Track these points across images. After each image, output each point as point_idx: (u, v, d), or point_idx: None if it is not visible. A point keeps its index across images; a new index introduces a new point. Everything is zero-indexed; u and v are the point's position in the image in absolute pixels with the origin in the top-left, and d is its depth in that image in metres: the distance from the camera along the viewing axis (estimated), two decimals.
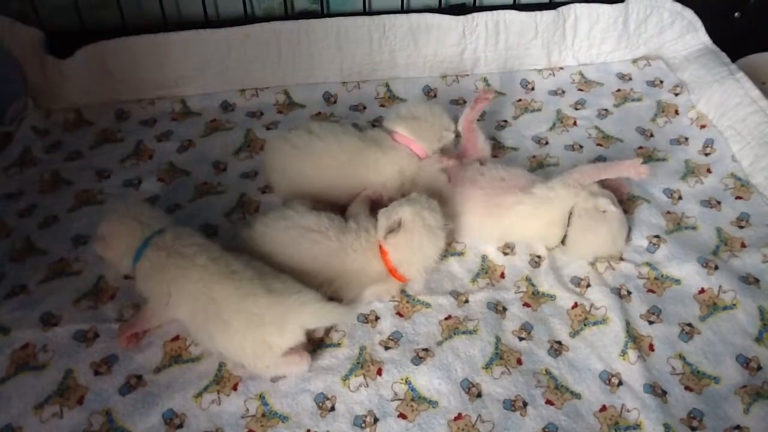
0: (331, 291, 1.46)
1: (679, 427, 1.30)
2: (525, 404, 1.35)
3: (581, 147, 1.93)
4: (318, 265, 1.46)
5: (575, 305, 1.52)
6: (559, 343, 1.46)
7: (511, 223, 1.60)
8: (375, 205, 1.60)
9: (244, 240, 1.54)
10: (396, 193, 1.65)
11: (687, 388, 1.37)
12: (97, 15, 2.11)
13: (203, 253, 1.40)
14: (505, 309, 1.53)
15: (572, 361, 1.43)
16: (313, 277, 1.45)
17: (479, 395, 1.36)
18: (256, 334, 1.32)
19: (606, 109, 2.06)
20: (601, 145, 1.94)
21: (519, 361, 1.43)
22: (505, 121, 2.04)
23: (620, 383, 1.38)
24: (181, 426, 1.31)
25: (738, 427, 1.31)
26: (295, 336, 1.35)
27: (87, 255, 1.61)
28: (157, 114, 2.06)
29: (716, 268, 1.56)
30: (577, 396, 1.37)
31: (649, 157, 1.88)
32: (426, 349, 1.43)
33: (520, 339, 1.47)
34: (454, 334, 1.46)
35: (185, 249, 1.41)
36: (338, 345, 1.44)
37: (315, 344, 1.43)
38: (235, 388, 1.36)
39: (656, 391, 1.36)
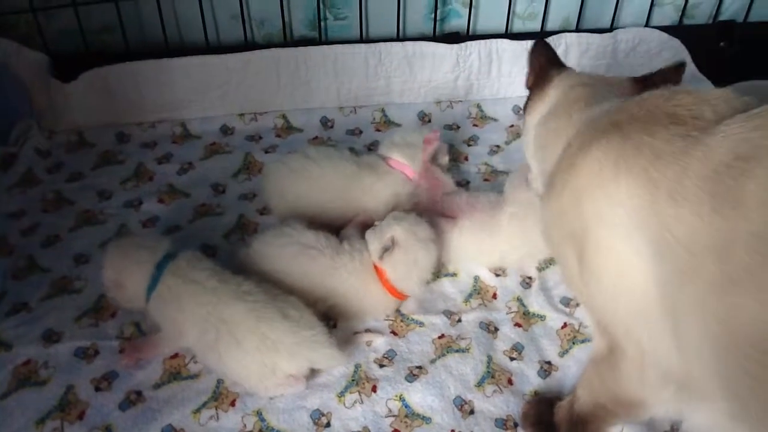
0: (325, 308, 1.49)
1: None
2: (515, 425, 1.38)
3: None
4: (314, 283, 1.50)
5: (565, 325, 1.56)
6: (549, 363, 1.50)
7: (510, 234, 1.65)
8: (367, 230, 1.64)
9: (242, 259, 1.58)
10: None
11: None
12: (101, 40, 2.17)
13: (214, 276, 1.43)
14: (496, 329, 1.56)
15: (561, 380, 1.46)
16: (308, 294, 1.49)
17: (472, 412, 1.39)
18: (265, 357, 1.34)
19: None
20: None
21: (510, 381, 1.46)
22: (498, 146, 2.09)
23: None
24: None
25: None
26: (302, 368, 1.39)
27: (88, 273, 1.64)
28: (158, 137, 2.11)
29: None
30: None
31: None
32: (420, 367, 1.46)
33: (512, 359, 1.50)
34: (447, 352, 1.50)
35: (197, 273, 1.43)
36: None
37: None
38: (232, 404, 1.39)
39: None
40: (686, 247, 0.89)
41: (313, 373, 1.43)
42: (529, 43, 2.15)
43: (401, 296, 1.57)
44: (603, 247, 1.03)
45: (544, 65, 1.49)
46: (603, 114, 1.14)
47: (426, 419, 1.38)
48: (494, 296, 1.64)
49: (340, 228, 1.68)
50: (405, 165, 1.74)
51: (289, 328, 1.36)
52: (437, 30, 2.26)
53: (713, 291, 0.87)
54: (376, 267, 1.54)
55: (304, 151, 1.77)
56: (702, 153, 0.91)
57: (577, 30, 2.27)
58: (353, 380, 1.43)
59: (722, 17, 2.35)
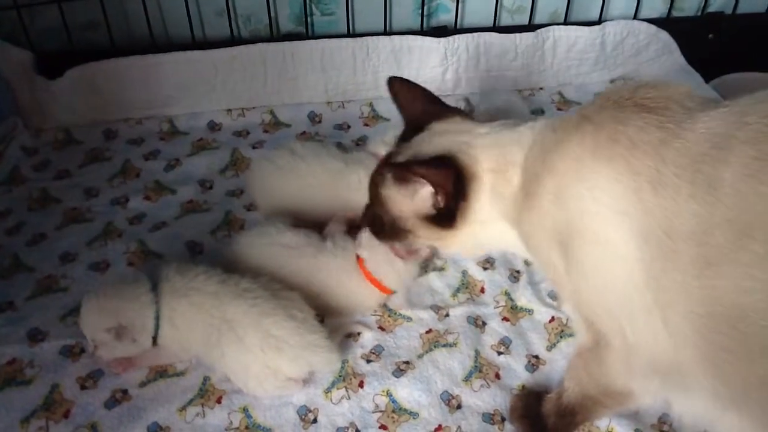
0: (312, 305, 1.49)
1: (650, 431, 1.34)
2: (503, 419, 1.38)
3: None
4: (298, 281, 1.50)
5: (552, 319, 1.56)
6: (536, 357, 1.50)
7: None
8: (352, 225, 1.63)
9: (228, 257, 1.57)
10: None
11: None
12: (86, 36, 2.15)
13: (211, 278, 1.41)
14: (484, 323, 1.56)
15: (548, 374, 1.46)
16: (299, 291, 1.48)
17: (459, 407, 1.39)
18: (268, 357, 1.33)
19: None
20: None
21: (497, 376, 1.46)
22: None
23: None
24: None
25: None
26: (303, 371, 1.39)
27: (74, 272, 1.64)
28: (145, 133, 2.10)
29: None
30: None
31: None
32: (407, 362, 1.46)
33: (499, 353, 1.50)
34: (435, 347, 1.49)
35: (194, 282, 1.40)
36: None
37: None
38: (219, 401, 1.38)
39: None
40: (667, 233, 0.93)
41: (310, 375, 1.42)
42: (517, 37, 2.18)
43: (387, 290, 1.57)
44: (590, 239, 1.04)
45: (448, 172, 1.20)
46: (548, 124, 1.17)
47: (413, 414, 1.38)
48: (482, 290, 1.63)
49: (322, 225, 1.67)
50: None
51: (294, 330, 1.35)
52: (425, 24, 2.25)
53: (693, 274, 0.92)
54: (360, 262, 1.54)
55: (290, 146, 1.75)
56: (680, 144, 0.95)
57: (566, 23, 2.26)
58: (340, 376, 1.43)
59: (711, 9, 2.34)
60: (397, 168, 1.23)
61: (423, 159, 1.20)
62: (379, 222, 1.32)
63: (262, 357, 1.33)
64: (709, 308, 0.92)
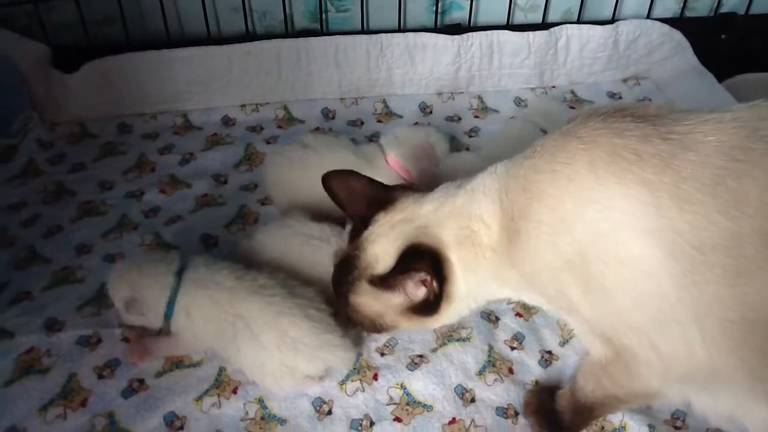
0: (328, 296, 1.49)
1: (662, 428, 1.34)
2: (516, 414, 1.38)
3: None
4: (318, 273, 1.50)
5: None
6: (550, 353, 1.50)
7: None
8: None
9: (244, 250, 1.58)
10: None
11: None
12: (102, 31, 2.17)
13: (231, 274, 1.40)
14: (497, 319, 1.57)
15: (561, 369, 1.47)
16: (315, 284, 1.48)
17: (473, 400, 1.40)
18: (285, 357, 1.33)
19: None
20: None
21: (511, 370, 1.46)
22: None
23: None
24: (181, 428, 1.34)
25: (719, 429, 1.34)
26: (320, 369, 1.39)
27: (90, 263, 1.65)
28: (160, 128, 2.11)
29: None
30: None
31: None
32: (421, 356, 1.47)
33: (512, 348, 1.51)
34: (448, 341, 1.50)
35: (216, 275, 1.40)
36: None
37: None
38: (234, 392, 1.39)
39: None
40: (696, 247, 0.94)
41: (327, 371, 1.42)
42: (531, 35, 2.19)
43: None
44: (612, 261, 1.02)
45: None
46: (511, 161, 1.15)
47: (427, 407, 1.38)
48: None
49: (341, 217, 1.68)
50: (400, 166, 1.73)
51: (311, 330, 1.35)
52: (438, 21, 2.26)
53: (726, 284, 0.94)
54: None
55: (302, 140, 1.76)
56: (694, 157, 0.96)
57: (579, 22, 2.27)
58: (355, 368, 1.44)
59: (723, 9, 2.35)
60: (381, 280, 1.19)
61: (399, 262, 1.16)
62: (354, 318, 1.30)
63: (279, 356, 1.33)
64: (743, 314, 0.94)
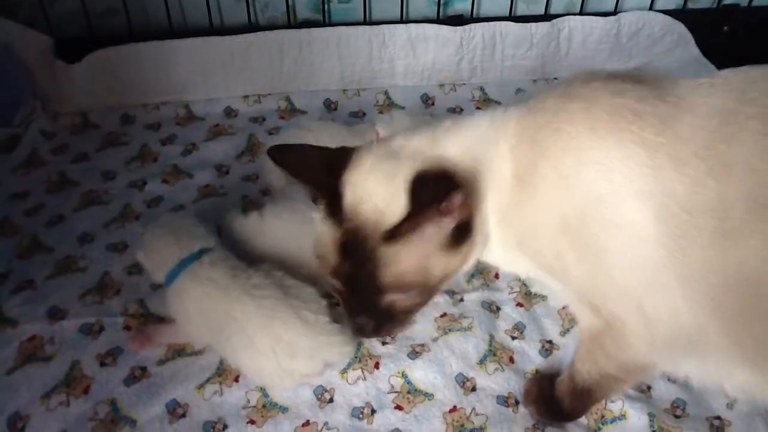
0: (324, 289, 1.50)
1: (663, 416, 1.35)
2: (517, 402, 1.39)
3: None
4: None
5: (566, 305, 1.57)
6: (550, 342, 1.51)
7: None
8: None
9: (249, 232, 1.58)
10: None
11: (670, 379, 1.41)
12: (105, 22, 2.17)
13: (228, 272, 1.40)
14: (498, 308, 1.57)
15: (562, 358, 1.47)
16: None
17: (474, 389, 1.40)
18: (281, 361, 1.33)
19: None
20: None
21: (511, 360, 1.47)
22: None
23: None
24: (183, 416, 1.34)
25: (718, 417, 1.36)
26: (319, 369, 1.39)
27: (93, 252, 1.66)
28: (162, 118, 2.12)
29: None
30: None
31: None
32: (422, 345, 1.47)
33: (513, 338, 1.51)
34: (449, 330, 1.50)
35: (217, 276, 1.39)
36: None
37: None
38: (236, 380, 1.40)
39: (641, 386, 1.40)
40: (687, 210, 0.95)
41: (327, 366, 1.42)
42: (533, 26, 2.19)
43: None
44: (608, 224, 1.02)
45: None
46: (524, 108, 1.12)
47: (428, 395, 1.39)
48: (496, 276, 1.64)
49: None
50: None
51: (306, 333, 1.34)
52: (441, 13, 2.26)
53: (712, 248, 0.95)
54: None
55: (298, 125, 1.83)
56: (691, 119, 0.97)
57: (581, 13, 2.27)
58: (356, 357, 1.44)
59: (726, 1, 2.35)
60: (401, 227, 1.04)
61: (414, 196, 1.04)
62: (401, 307, 1.15)
63: (276, 360, 1.33)
64: (725, 278, 0.95)
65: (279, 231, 1.55)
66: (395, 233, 1.04)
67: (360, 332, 1.19)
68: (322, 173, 1.13)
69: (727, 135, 0.94)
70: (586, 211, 1.03)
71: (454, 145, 1.11)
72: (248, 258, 1.50)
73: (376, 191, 1.08)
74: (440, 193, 1.02)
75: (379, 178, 1.09)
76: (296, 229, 1.53)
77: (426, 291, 1.15)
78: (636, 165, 0.98)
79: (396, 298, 1.13)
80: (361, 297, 1.14)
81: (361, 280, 1.10)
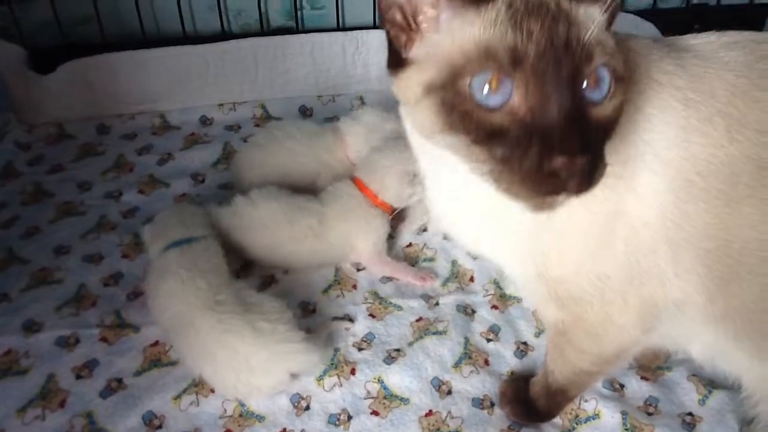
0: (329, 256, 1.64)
1: (636, 414, 1.37)
2: (492, 404, 1.40)
3: None
4: (310, 235, 1.61)
5: None
6: (525, 344, 1.52)
7: None
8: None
9: (229, 221, 1.63)
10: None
11: (643, 378, 1.44)
12: (78, 31, 2.17)
13: (200, 277, 1.43)
14: (473, 311, 1.59)
15: (536, 359, 1.49)
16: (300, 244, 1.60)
17: (449, 392, 1.42)
18: (241, 376, 1.33)
19: None
20: None
21: (487, 362, 1.48)
22: None
23: None
24: (160, 427, 1.34)
25: (690, 413, 1.38)
26: (283, 380, 1.38)
27: (68, 264, 1.65)
28: (138, 128, 2.12)
29: None
30: None
31: None
32: (398, 350, 1.49)
33: (488, 341, 1.53)
34: (425, 334, 1.52)
35: (180, 269, 1.44)
36: None
37: None
38: (213, 390, 1.40)
39: (614, 385, 1.42)
40: (700, 173, 0.93)
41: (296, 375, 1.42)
42: None
43: (388, 208, 1.68)
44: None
45: None
46: None
47: (404, 400, 1.40)
48: (471, 279, 1.66)
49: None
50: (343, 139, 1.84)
51: (260, 345, 1.33)
52: None
53: (715, 212, 0.93)
54: (359, 184, 1.68)
55: (266, 127, 1.95)
56: (716, 74, 0.95)
57: None
58: (332, 364, 1.45)
59: (695, 0, 2.37)
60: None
61: None
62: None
63: (235, 375, 1.33)
64: (717, 243, 0.95)
65: (269, 208, 1.62)
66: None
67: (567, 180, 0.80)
68: None
69: (742, 91, 0.92)
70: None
71: None
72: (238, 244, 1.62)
73: None
74: None
75: None
76: (285, 205, 1.61)
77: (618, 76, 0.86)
78: (668, 127, 0.94)
79: (600, 104, 0.84)
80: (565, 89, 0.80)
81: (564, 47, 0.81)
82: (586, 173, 0.79)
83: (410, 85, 0.87)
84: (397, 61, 0.90)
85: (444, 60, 0.83)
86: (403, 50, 0.88)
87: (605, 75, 0.83)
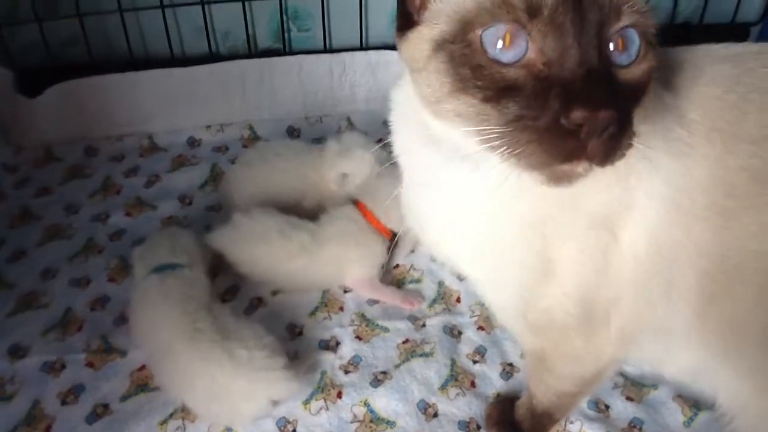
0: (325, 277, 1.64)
1: None
2: (478, 427, 1.41)
3: None
4: (305, 256, 1.61)
5: None
6: (511, 365, 1.53)
7: None
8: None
9: (223, 237, 1.65)
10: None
11: (628, 398, 1.44)
12: (65, 52, 2.17)
13: (178, 305, 1.43)
14: (460, 333, 1.59)
15: (522, 381, 1.49)
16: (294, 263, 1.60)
17: (435, 415, 1.42)
18: (222, 403, 1.34)
19: None
20: None
21: (473, 384, 1.49)
22: None
23: None
24: None
25: None
26: (263, 407, 1.38)
27: (56, 288, 1.65)
28: (125, 150, 2.12)
29: None
30: None
31: None
32: (384, 372, 1.49)
33: (474, 362, 1.53)
34: (411, 357, 1.52)
35: (158, 297, 1.45)
36: None
37: None
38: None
39: (599, 407, 1.43)
40: (704, 188, 0.91)
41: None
42: None
43: (388, 233, 1.69)
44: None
45: None
46: None
47: (390, 423, 1.40)
48: (458, 300, 1.67)
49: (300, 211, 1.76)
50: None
51: (238, 373, 1.33)
52: None
53: (712, 229, 0.91)
54: (361, 207, 1.70)
55: (255, 146, 1.97)
56: (709, 89, 0.94)
57: None
58: (319, 387, 1.46)
59: (678, 20, 2.40)
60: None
61: None
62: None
63: (217, 404, 1.34)
64: (710, 262, 0.93)
65: (264, 225, 1.63)
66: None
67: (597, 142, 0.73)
68: None
69: (732, 104, 0.91)
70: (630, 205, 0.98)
71: None
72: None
73: None
74: None
75: None
76: (280, 223, 1.63)
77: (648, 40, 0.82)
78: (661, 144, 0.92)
79: (627, 68, 0.79)
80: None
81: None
82: (611, 135, 0.71)
83: (419, 44, 0.84)
84: (408, 24, 0.86)
85: (455, 11, 0.79)
86: (416, 13, 0.85)
87: (635, 38, 0.77)
